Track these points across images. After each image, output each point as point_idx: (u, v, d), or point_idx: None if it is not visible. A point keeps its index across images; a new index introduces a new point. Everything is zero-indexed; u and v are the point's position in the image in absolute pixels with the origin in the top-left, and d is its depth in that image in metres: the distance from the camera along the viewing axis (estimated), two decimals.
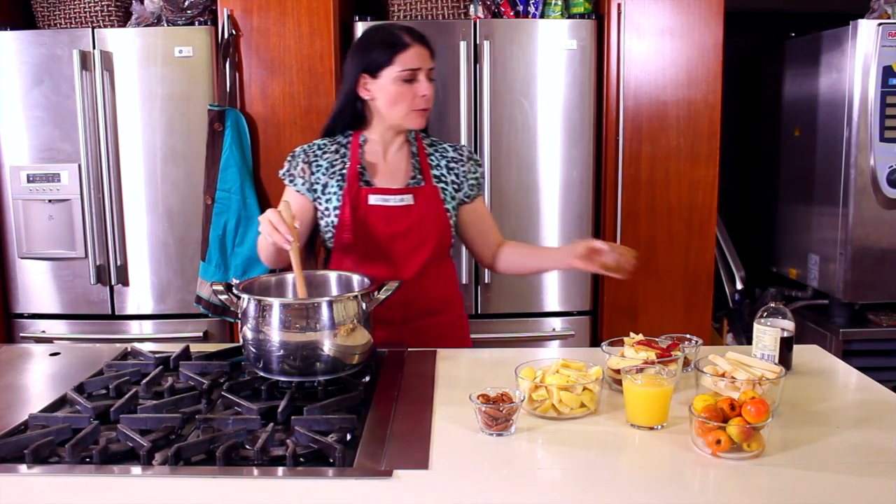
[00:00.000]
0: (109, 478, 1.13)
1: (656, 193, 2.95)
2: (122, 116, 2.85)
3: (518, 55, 2.87)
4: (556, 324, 3.00)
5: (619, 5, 2.85)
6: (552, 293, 2.99)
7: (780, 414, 1.34)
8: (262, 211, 2.78)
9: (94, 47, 2.81)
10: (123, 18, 2.94)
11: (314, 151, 1.84)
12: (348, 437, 1.25)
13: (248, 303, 1.45)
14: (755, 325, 1.54)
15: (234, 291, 1.49)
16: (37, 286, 2.95)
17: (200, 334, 2.93)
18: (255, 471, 1.15)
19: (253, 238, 2.81)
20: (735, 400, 1.22)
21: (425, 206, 1.80)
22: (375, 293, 1.52)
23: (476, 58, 2.84)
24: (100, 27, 2.87)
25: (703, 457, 1.19)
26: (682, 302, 3.00)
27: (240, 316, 1.47)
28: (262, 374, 1.46)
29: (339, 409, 1.36)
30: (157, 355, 1.64)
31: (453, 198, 1.85)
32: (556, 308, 3.01)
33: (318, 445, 1.20)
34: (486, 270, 2.91)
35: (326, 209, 1.79)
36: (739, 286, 3.42)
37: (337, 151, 1.83)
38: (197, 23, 2.86)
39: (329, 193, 1.79)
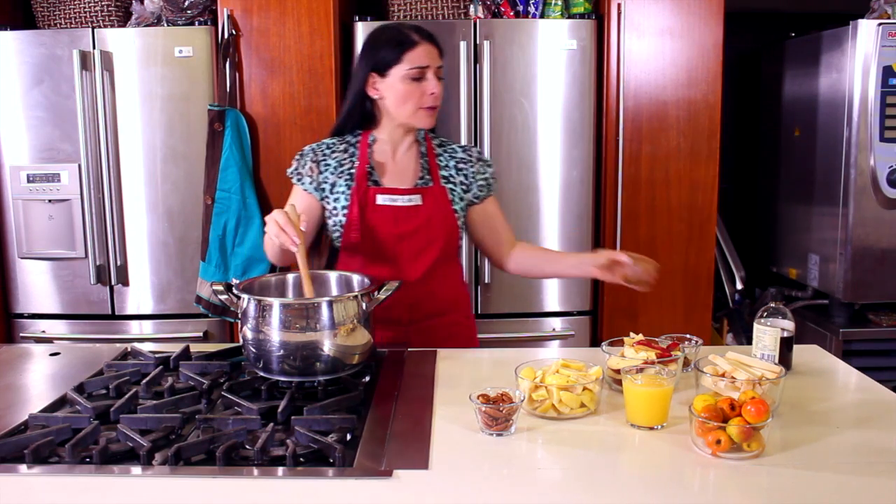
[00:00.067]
0: (109, 478, 1.13)
1: (656, 193, 2.95)
2: (122, 116, 2.85)
3: (518, 55, 2.87)
4: (556, 324, 3.00)
5: (619, 5, 2.85)
6: (552, 293, 2.99)
7: (780, 414, 1.34)
8: (263, 211, 2.82)
9: (94, 47, 2.81)
10: (123, 18, 2.94)
11: (323, 150, 1.83)
12: (348, 437, 1.25)
13: (248, 303, 1.45)
14: (755, 325, 1.53)
15: (234, 291, 1.49)
16: (37, 286, 2.95)
17: (200, 334, 2.93)
18: (255, 471, 1.15)
19: (253, 238, 2.81)
20: (735, 400, 1.22)
21: (433, 207, 1.79)
22: (375, 293, 1.52)
23: (476, 58, 2.84)
24: (100, 27, 2.87)
25: (703, 457, 1.19)
26: (682, 302, 3.00)
27: (240, 316, 1.47)
28: (262, 374, 1.46)
29: (339, 409, 1.36)
30: (157, 355, 1.64)
31: (461, 199, 1.84)
32: (556, 308, 3.01)
33: (318, 445, 1.20)
34: (487, 271, 2.91)
35: (334, 208, 1.79)
36: (739, 286, 3.42)
37: (346, 151, 1.82)
38: (197, 23, 2.86)
39: (337, 193, 1.79)
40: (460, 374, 1.58)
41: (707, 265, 3.00)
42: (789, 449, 1.22)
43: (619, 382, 1.37)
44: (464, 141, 2.86)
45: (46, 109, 2.84)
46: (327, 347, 1.42)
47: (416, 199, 1.78)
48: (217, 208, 2.79)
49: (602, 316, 3.02)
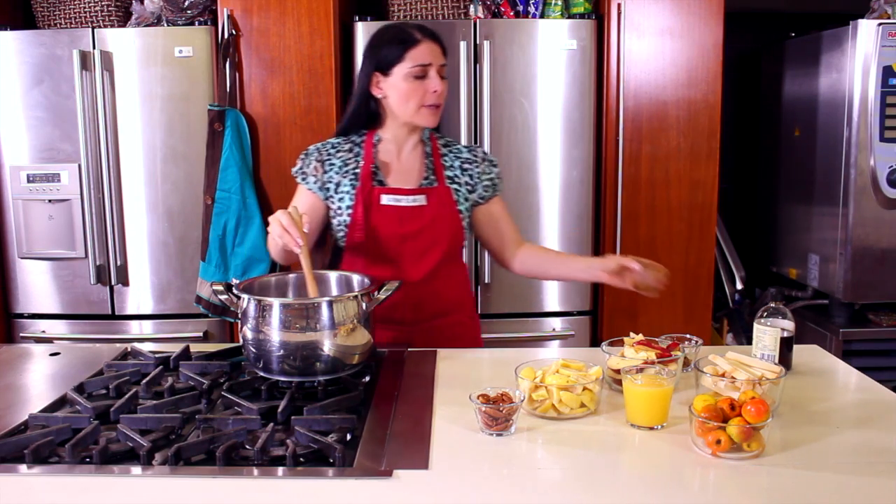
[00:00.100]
0: (109, 478, 1.13)
1: (656, 193, 2.95)
2: (122, 116, 2.85)
3: (518, 55, 2.87)
4: (556, 324, 3.00)
5: (619, 5, 2.85)
6: (552, 293, 2.99)
7: (780, 414, 1.34)
8: (262, 211, 2.82)
9: (94, 47, 2.81)
10: (123, 18, 2.94)
11: (328, 150, 1.83)
12: (348, 437, 1.25)
13: (248, 303, 1.45)
14: (755, 325, 1.53)
15: (234, 291, 1.49)
16: (37, 286, 2.95)
17: (200, 334, 2.93)
18: (255, 471, 1.15)
19: (253, 238, 2.81)
20: (735, 400, 1.22)
21: (438, 207, 1.79)
22: (375, 293, 1.52)
23: (476, 58, 2.84)
24: (100, 27, 2.87)
25: (703, 457, 1.19)
26: (682, 302, 3.00)
27: (240, 316, 1.47)
28: (262, 374, 1.46)
29: (339, 409, 1.36)
30: (157, 355, 1.64)
31: (466, 199, 1.84)
32: (556, 308, 3.01)
33: (318, 445, 1.20)
34: (487, 271, 2.91)
35: (339, 208, 1.79)
36: (739, 286, 3.42)
37: (351, 150, 1.82)
38: (197, 23, 2.86)
39: (342, 192, 1.79)
40: (460, 374, 1.58)
41: (707, 265, 3.00)
42: (789, 449, 1.22)
43: (619, 382, 1.37)
44: (464, 141, 2.86)
45: (46, 109, 2.84)
46: (327, 347, 1.42)
47: (420, 200, 1.78)
48: (217, 208, 2.79)
49: (602, 316, 3.02)
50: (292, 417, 1.29)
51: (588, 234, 2.98)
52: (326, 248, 1.90)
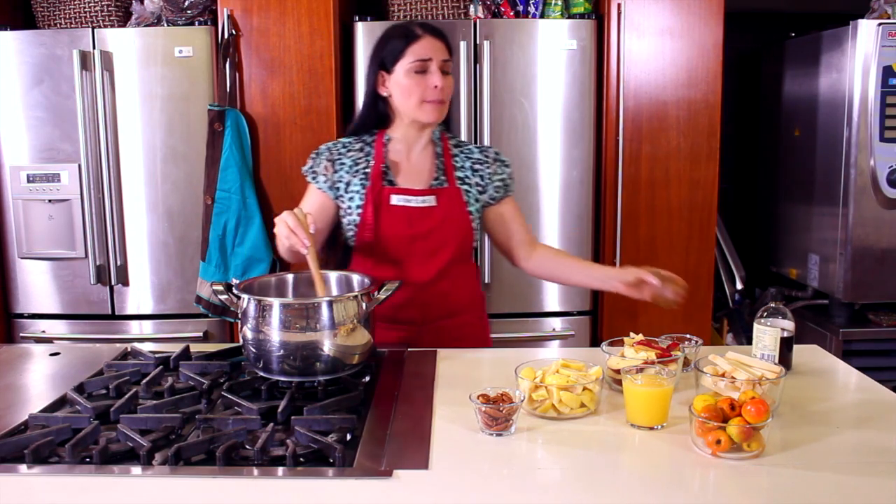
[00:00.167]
0: (109, 478, 1.13)
1: (656, 193, 2.95)
2: (122, 116, 2.85)
3: (518, 55, 2.87)
4: (556, 324, 3.00)
5: (619, 5, 2.85)
6: (552, 293, 2.99)
7: (780, 414, 1.34)
8: (263, 211, 2.82)
9: (94, 47, 2.81)
10: (123, 18, 2.94)
11: (338, 149, 1.82)
12: (348, 437, 1.25)
13: (248, 303, 1.45)
14: (755, 325, 1.53)
15: (234, 291, 1.49)
16: (37, 286, 2.95)
17: (200, 334, 2.93)
18: (255, 471, 1.15)
19: (253, 238, 2.81)
20: (735, 400, 1.22)
21: (448, 208, 1.78)
22: (375, 293, 1.52)
23: (476, 58, 2.84)
24: (100, 27, 2.87)
25: (703, 457, 1.19)
26: (682, 302, 2.99)
27: (240, 316, 1.47)
28: (262, 374, 1.46)
29: (339, 409, 1.36)
30: (157, 355, 1.64)
31: (477, 200, 1.83)
32: (556, 308, 3.01)
33: (318, 445, 1.20)
34: (487, 271, 2.91)
35: (349, 208, 1.78)
36: (739, 286, 3.42)
37: (362, 150, 1.82)
38: (197, 23, 2.86)
39: (352, 192, 1.78)
40: (460, 374, 1.58)
41: (707, 265, 3.00)
42: (789, 449, 1.22)
43: (619, 382, 1.37)
44: None
45: (46, 109, 2.84)
46: (327, 347, 1.42)
47: (430, 200, 1.77)
48: (217, 208, 2.79)
49: (602, 316, 3.02)
50: (292, 417, 1.29)
51: (588, 234, 2.98)
52: (338, 247, 1.90)
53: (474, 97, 2.86)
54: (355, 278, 1.63)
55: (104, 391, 1.48)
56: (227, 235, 2.80)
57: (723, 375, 1.36)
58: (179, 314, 2.94)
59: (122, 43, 2.82)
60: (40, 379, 1.63)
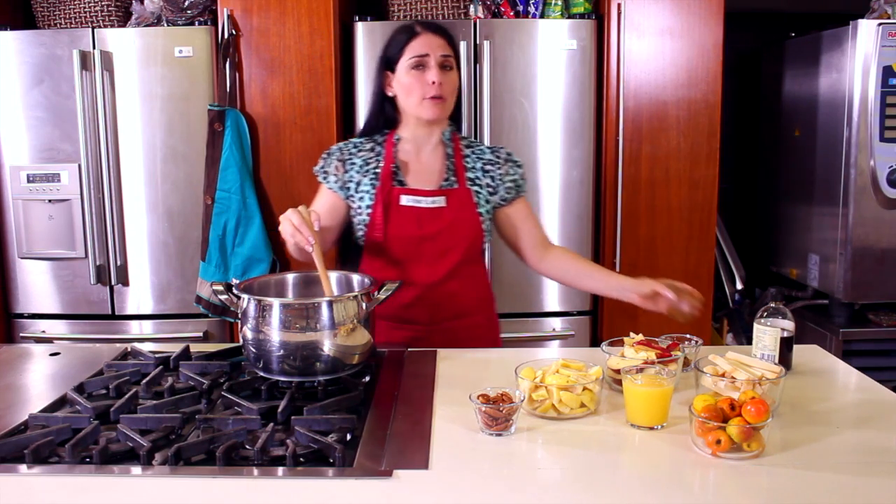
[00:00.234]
0: (109, 478, 1.13)
1: (656, 193, 2.95)
2: (122, 116, 2.85)
3: (518, 55, 2.87)
4: (556, 324, 3.00)
5: (619, 5, 2.85)
6: (552, 293, 2.99)
7: (780, 414, 1.34)
8: (263, 211, 2.82)
9: (94, 47, 2.81)
10: (123, 18, 2.94)
11: (349, 149, 1.82)
12: (348, 437, 1.25)
13: (248, 303, 1.45)
14: (755, 325, 1.53)
15: (234, 291, 1.49)
16: (37, 286, 2.95)
17: (200, 334, 2.93)
18: (255, 471, 1.15)
19: (253, 238, 2.81)
20: (735, 400, 1.22)
21: (457, 209, 1.78)
22: (375, 293, 1.52)
23: (476, 58, 2.84)
24: (100, 27, 2.87)
25: (703, 457, 1.19)
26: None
27: (240, 316, 1.47)
28: (262, 374, 1.46)
29: (339, 409, 1.36)
30: (157, 355, 1.64)
31: (487, 201, 1.82)
32: (556, 308, 3.01)
33: (318, 445, 1.20)
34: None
35: (359, 207, 1.78)
36: (739, 286, 3.42)
37: (372, 150, 1.81)
38: (197, 23, 2.86)
39: (362, 192, 1.78)
40: (460, 374, 1.57)
41: (707, 265, 3.00)
42: (789, 449, 1.22)
43: (619, 382, 1.37)
44: None
45: (46, 109, 2.84)
46: (327, 347, 1.42)
47: (440, 201, 1.77)
48: (217, 208, 2.79)
49: (602, 316, 3.02)
50: (292, 417, 1.29)
51: (588, 234, 2.98)
52: (352, 247, 1.90)
53: (474, 97, 2.86)
54: (355, 278, 1.63)
55: (104, 391, 1.48)
56: (227, 235, 2.80)
57: (723, 375, 1.36)
58: (179, 314, 2.94)
59: (122, 43, 2.82)
60: (40, 379, 1.63)
